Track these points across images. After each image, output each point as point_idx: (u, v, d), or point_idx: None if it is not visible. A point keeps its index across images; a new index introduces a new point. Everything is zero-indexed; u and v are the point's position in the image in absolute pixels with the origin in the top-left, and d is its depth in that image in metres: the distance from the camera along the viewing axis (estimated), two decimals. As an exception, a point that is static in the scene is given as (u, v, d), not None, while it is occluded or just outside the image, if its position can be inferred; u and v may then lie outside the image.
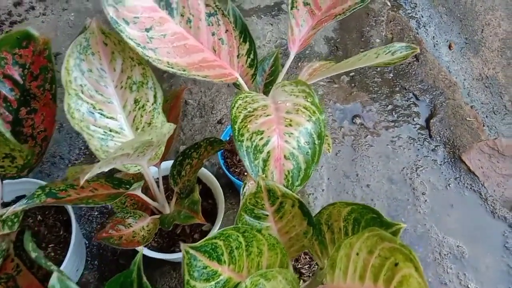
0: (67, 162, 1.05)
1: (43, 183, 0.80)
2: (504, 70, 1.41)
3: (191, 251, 0.44)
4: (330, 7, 0.71)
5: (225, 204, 0.82)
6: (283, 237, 0.60)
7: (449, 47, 1.45)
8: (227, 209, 0.97)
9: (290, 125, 0.59)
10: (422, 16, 1.45)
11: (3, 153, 0.51)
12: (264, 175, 0.57)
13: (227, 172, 0.89)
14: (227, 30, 0.65)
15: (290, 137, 0.59)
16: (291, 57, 0.70)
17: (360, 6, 0.68)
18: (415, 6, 1.46)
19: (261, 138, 0.58)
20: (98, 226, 0.96)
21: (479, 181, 1.05)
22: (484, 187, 1.04)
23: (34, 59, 0.63)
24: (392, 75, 1.22)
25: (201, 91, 1.16)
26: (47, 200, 0.52)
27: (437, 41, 1.43)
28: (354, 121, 1.13)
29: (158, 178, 0.74)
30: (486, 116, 1.27)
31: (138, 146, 0.46)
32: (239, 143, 0.58)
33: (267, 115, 0.61)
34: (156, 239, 0.78)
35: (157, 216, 0.73)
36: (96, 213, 0.98)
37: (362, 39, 1.31)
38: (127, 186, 0.63)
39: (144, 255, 0.75)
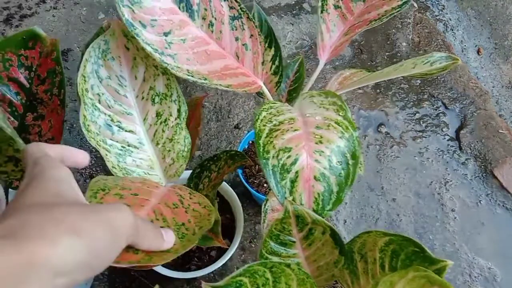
0: (76, 166, 1.00)
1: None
2: (536, 78, 1.34)
3: (213, 292, 0.39)
4: (363, 11, 0.65)
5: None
6: (311, 265, 0.54)
7: (478, 52, 1.38)
8: (244, 221, 0.92)
9: (321, 142, 0.54)
10: (450, 19, 1.38)
11: (6, 156, 0.46)
12: (291, 198, 0.51)
13: (246, 183, 0.84)
14: (252, 35, 0.59)
15: (321, 156, 0.53)
16: (320, 66, 0.64)
17: (398, 11, 0.62)
18: (443, 8, 1.39)
19: (289, 156, 0.53)
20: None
21: (512, 198, 0.98)
22: (518, 205, 0.98)
23: (41, 61, 0.58)
24: (419, 82, 1.16)
25: (217, 94, 1.10)
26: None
27: (465, 45, 1.36)
28: (379, 129, 1.06)
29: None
30: (515, 126, 1.20)
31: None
32: (264, 161, 0.52)
33: (295, 130, 0.55)
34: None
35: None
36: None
37: (388, 42, 1.24)
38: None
39: (156, 272, 0.70)
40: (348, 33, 0.62)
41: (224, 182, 0.78)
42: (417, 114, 1.10)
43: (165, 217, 0.49)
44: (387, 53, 1.21)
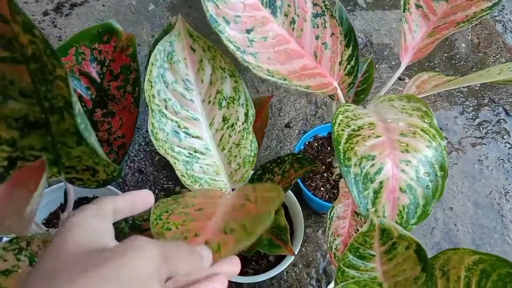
0: (125, 158, 1.00)
1: (108, 186, 0.75)
2: None
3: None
4: (448, 12, 0.61)
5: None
6: (389, 280, 0.51)
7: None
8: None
9: (407, 150, 0.50)
10: (509, 20, 1.31)
11: (85, 165, 0.44)
12: (374, 209, 0.49)
13: (302, 186, 0.81)
14: (333, 34, 0.56)
15: (408, 166, 0.50)
16: (402, 68, 0.60)
17: (488, 13, 0.58)
18: (503, 9, 1.32)
19: (373, 165, 0.50)
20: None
21: None
22: None
23: (115, 56, 0.56)
24: (479, 85, 1.11)
25: (268, 91, 1.08)
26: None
27: (524, 48, 1.29)
28: (436, 134, 1.02)
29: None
30: None
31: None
32: (345, 168, 0.50)
33: (377, 136, 0.52)
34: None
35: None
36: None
37: (446, 43, 1.19)
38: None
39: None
40: (433, 35, 0.59)
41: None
42: (476, 120, 1.05)
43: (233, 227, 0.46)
44: (445, 54, 1.16)
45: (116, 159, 0.56)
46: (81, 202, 0.76)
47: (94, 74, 0.56)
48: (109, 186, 0.73)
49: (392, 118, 0.55)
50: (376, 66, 1.13)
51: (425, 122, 0.53)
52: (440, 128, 1.03)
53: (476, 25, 1.24)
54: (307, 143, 0.88)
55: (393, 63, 1.13)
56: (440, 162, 0.50)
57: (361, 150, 0.51)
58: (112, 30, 0.55)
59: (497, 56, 1.17)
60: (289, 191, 0.77)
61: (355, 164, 0.50)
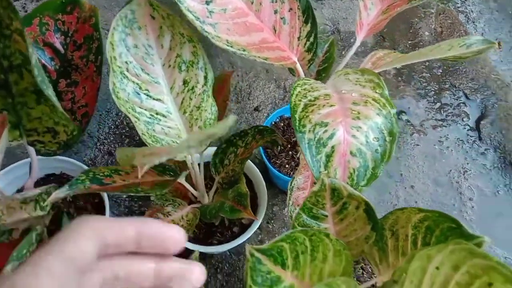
0: (95, 140, 1.01)
1: (75, 161, 0.76)
2: (555, 74, 1.32)
3: (257, 254, 0.39)
4: (401, -10, 0.64)
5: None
6: (341, 240, 0.54)
7: (498, 45, 1.37)
8: (262, 202, 0.92)
9: (358, 118, 0.53)
10: (471, 11, 1.37)
11: (45, 127, 0.46)
12: (326, 172, 0.51)
13: (268, 163, 0.84)
14: (291, 9, 0.59)
15: (358, 132, 0.53)
16: (357, 43, 0.63)
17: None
18: (465, 0, 1.37)
19: (325, 131, 0.53)
20: (126, 209, 0.92)
21: (531, 190, 0.98)
22: (536, 197, 0.97)
23: (79, 27, 0.57)
24: (441, 71, 1.15)
25: (238, 76, 1.10)
26: (92, 187, 0.47)
27: (486, 38, 1.34)
28: (399, 117, 1.06)
29: (199, 164, 0.69)
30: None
31: (203, 139, 0.40)
32: (300, 134, 0.52)
33: (331, 106, 0.55)
34: (193, 229, 0.73)
35: (197, 206, 0.68)
36: (124, 195, 0.93)
37: (411, 31, 1.23)
38: (172, 173, 0.58)
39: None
40: (387, 12, 0.62)
41: (248, 160, 0.78)
42: (438, 103, 1.09)
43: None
44: (409, 42, 1.21)
45: (80, 128, 0.58)
46: (48, 179, 0.76)
47: (58, 45, 0.58)
48: (75, 161, 0.74)
49: (346, 89, 0.58)
50: (343, 52, 1.16)
51: (376, 92, 0.56)
52: (403, 112, 1.07)
53: (439, 14, 1.29)
54: (273, 123, 0.90)
55: (359, 50, 1.17)
56: (389, 128, 0.53)
57: (316, 117, 0.54)
58: (75, 1, 0.56)
59: (459, 45, 1.22)
60: (256, 168, 0.79)
61: (309, 131, 0.53)
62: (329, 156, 0.52)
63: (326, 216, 0.52)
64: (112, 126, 1.03)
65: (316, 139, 0.52)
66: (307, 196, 0.50)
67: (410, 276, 0.45)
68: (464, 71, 1.16)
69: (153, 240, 0.28)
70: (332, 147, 0.52)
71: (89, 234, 0.26)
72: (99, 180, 0.48)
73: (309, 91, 0.58)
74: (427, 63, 1.16)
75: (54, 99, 0.43)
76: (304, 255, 0.43)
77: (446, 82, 1.13)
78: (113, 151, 1.00)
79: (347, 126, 0.53)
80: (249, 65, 1.12)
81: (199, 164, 0.68)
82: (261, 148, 0.86)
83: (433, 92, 1.11)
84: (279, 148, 0.87)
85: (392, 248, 0.54)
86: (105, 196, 0.70)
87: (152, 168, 0.57)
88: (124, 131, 1.02)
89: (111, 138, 1.01)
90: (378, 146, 0.53)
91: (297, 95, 0.56)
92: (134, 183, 0.50)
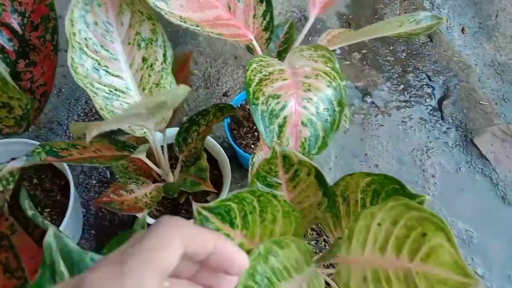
0: (65, 128, 1.01)
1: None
2: (517, 57, 1.37)
3: (204, 212, 0.41)
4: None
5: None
6: (295, 207, 0.56)
7: (462, 31, 1.40)
8: (230, 183, 0.94)
9: (309, 90, 0.56)
10: (436, -3, 1.40)
11: (1, 102, 0.47)
12: (279, 141, 0.53)
13: (233, 144, 0.86)
14: (244, -13, 0.60)
15: (309, 103, 0.55)
16: (311, 20, 0.66)
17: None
18: (430, -14, 1.41)
19: (278, 103, 0.55)
20: (96, 195, 0.93)
21: (491, 165, 1.02)
22: (496, 172, 1.01)
23: (35, 8, 0.58)
24: (405, 55, 1.18)
25: (206, 62, 1.12)
26: (48, 158, 0.48)
27: (450, 24, 1.38)
28: (364, 99, 1.09)
29: (162, 146, 0.70)
30: (496, 103, 1.23)
31: (152, 107, 0.42)
32: (254, 106, 0.54)
33: (284, 79, 0.57)
34: (158, 208, 0.74)
35: (161, 184, 0.69)
36: (94, 181, 0.94)
37: (376, 17, 1.26)
38: (132, 150, 0.59)
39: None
40: (337, -11, 0.64)
41: (212, 140, 0.80)
42: (401, 86, 1.13)
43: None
44: (374, 26, 1.24)
45: (39, 107, 0.59)
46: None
47: (16, 25, 0.59)
48: (28, 140, 0.75)
49: (300, 64, 0.60)
50: (309, 38, 1.19)
51: (327, 66, 0.59)
52: (367, 94, 1.10)
53: (404, 0, 1.32)
54: (239, 105, 0.92)
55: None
56: (338, 99, 0.56)
57: (269, 90, 0.56)
58: (30, -18, 0.57)
59: (423, 29, 1.25)
60: (220, 147, 0.81)
61: (262, 103, 0.55)
62: (281, 127, 0.54)
63: (280, 184, 0.54)
64: (82, 114, 1.04)
65: (269, 110, 0.54)
66: (260, 164, 0.52)
67: (357, 235, 0.47)
68: (427, 54, 1.19)
69: (224, 260, 0.27)
70: (284, 117, 0.54)
71: (177, 244, 0.24)
72: (55, 153, 0.49)
73: (265, 67, 0.60)
74: (392, 47, 1.19)
75: (5, 74, 0.44)
76: (253, 215, 0.45)
77: (409, 65, 1.16)
78: (82, 138, 1.00)
79: (299, 98, 0.55)
80: (218, 52, 1.13)
81: (162, 147, 0.70)
82: (227, 131, 0.88)
83: (397, 75, 1.14)
84: (244, 130, 0.89)
85: (344, 214, 0.57)
86: (69, 177, 0.71)
87: (112, 144, 0.58)
88: (93, 118, 1.03)
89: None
90: (328, 116, 0.55)
91: (252, 70, 0.58)
92: (91, 156, 0.51)
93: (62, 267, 0.35)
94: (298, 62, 0.61)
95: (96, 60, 0.56)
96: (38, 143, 0.76)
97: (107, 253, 0.38)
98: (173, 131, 0.75)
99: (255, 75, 0.58)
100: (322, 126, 0.55)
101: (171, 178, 0.71)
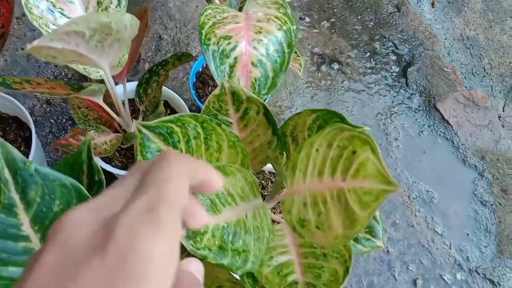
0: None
1: (7, 96, 0.77)
2: (485, 32, 1.40)
3: (144, 130, 0.42)
4: None
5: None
6: (247, 147, 0.58)
7: (432, 5, 1.43)
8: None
9: (260, 32, 0.57)
10: (407, -28, 1.43)
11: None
12: (228, 79, 0.55)
13: (198, 102, 0.87)
14: None
15: (259, 44, 0.57)
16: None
17: None
18: (401, -39, 1.43)
19: (229, 43, 0.56)
20: (64, 155, 0.94)
21: (453, 129, 1.05)
22: (457, 136, 1.04)
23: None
24: (372, 24, 1.21)
25: (176, 27, 1.13)
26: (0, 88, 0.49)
27: (420, -3, 1.41)
28: (332, 66, 1.11)
29: (123, 101, 0.71)
30: (465, 77, 1.27)
31: (95, 28, 0.43)
32: (205, 46, 0.56)
33: (237, 23, 0.59)
34: (120, 159, 0.76)
35: (121, 134, 0.71)
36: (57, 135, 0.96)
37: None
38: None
39: (108, 172, 0.73)
40: None
41: (173, 93, 0.81)
42: (368, 53, 1.15)
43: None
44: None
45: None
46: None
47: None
48: (7, 96, 0.75)
49: (254, 10, 0.62)
50: None
51: (280, 12, 0.61)
52: (335, 61, 1.12)
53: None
54: (204, 65, 0.94)
55: (295, 4, 1.21)
56: (288, 42, 0.58)
57: (220, 32, 0.57)
58: None
59: None
60: (179, 98, 0.82)
61: (213, 43, 0.56)
62: (232, 67, 0.56)
63: (231, 123, 0.56)
64: (51, 77, 1.04)
65: (219, 50, 0.56)
66: (209, 100, 0.53)
67: (299, 165, 0.49)
68: (394, 23, 1.22)
69: (206, 186, 0.26)
70: (235, 58, 0.56)
71: (185, 178, 0.23)
72: (8, 85, 0.50)
73: (219, 13, 0.61)
74: (360, 16, 1.21)
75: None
76: (197, 141, 0.47)
77: (377, 34, 1.19)
78: (51, 100, 1.01)
79: (249, 39, 0.57)
80: (188, 18, 1.14)
81: (123, 101, 0.71)
82: (192, 90, 0.89)
83: (364, 43, 1.16)
84: (210, 89, 0.90)
85: (294, 153, 0.59)
86: (32, 128, 0.72)
87: (68, 85, 0.60)
88: (63, 81, 1.03)
89: (50, 89, 1.02)
90: (278, 57, 0.57)
91: (206, 15, 0.60)
92: (43, 91, 0.52)
93: (6, 174, 0.36)
94: (252, 8, 0.63)
95: (51, 2, 0.57)
96: (5, 95, 0.77)
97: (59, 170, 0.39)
98: (134, 85, 0.76)
99: (209, 19, 0.59)
100: (272, 66, 0.57)
101: (132, 129, 0.73)
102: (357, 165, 0.42)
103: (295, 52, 0.76)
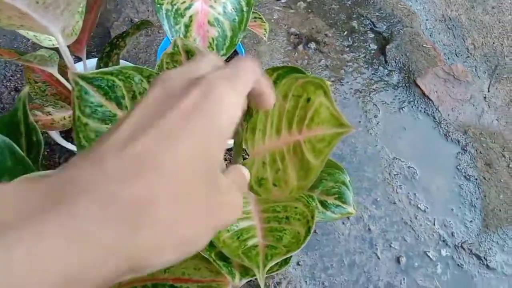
0: (2, 77, 0.98)
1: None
2: (468, 13, 1.38)
3: (81, 82, 0.39)
4: None
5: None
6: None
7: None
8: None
9: (216, -10, 0.55)
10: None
11: None
12: (181, 37, 0.52)
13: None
14: None
15: (216, 3, 0.54)
16: None
17: None
18: None
19: (184, 2, 0.54)
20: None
21: (434, 105, 1.02)
22: (438, 111, 1.02)
23: None
24: (350, 3, 1.18)
25: (148, 11, 1.10)
26: None
27: (400, -23, 1.39)
28: (309, 45, 1.08)
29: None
30: (448, 58, 1.24)
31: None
32: (158, 6, 0.53)
33: (193, -17, 0.56)
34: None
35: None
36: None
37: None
38: (37, 59, 0.57)
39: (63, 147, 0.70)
40: None
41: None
42: (346, 32, 1.12)
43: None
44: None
45: None
46: None
47: None
48: None
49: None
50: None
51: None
52: (311, 41, 1.09)
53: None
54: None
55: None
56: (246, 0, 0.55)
57: (175, -9, 0.54)
58: None
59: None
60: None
61: (167, 2, 0.53)
62: (187, 26, 0.53)
63: (189, 86, 0.53)
64: (19, 64, 1.01)
65: (173, 9, 0.53)
66: (162, 59, 0.50)
67: (258, 124, 0.47)
68: (372, 2, 1.19)
69: (264, 94, 0.32)
70: (190, 17, 0.53)
71: (257, 74, 0.28)
72: None
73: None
74: (337, -6, 1.19)
75: None
76: (144, 98, 0.44)
77: (354, 13, 1.16)
78: (19, 87, 0.98)
79: (205, -3, 0.54)
80: (160, 1, 1.11)
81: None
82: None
83: (341, 22, 1.14)
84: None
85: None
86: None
87: (18, 52, 0.56)
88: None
89: (18, 75, 0.99)
90: (236, 16, 0.54)
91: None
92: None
93: None
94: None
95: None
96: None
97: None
98: (93, 61, 0.73)
99: (165, -18, 0.56)
100: (230, 25, 0.54)
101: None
102: (311, 113, 0.39)
103: (260, 18, 0.73)
